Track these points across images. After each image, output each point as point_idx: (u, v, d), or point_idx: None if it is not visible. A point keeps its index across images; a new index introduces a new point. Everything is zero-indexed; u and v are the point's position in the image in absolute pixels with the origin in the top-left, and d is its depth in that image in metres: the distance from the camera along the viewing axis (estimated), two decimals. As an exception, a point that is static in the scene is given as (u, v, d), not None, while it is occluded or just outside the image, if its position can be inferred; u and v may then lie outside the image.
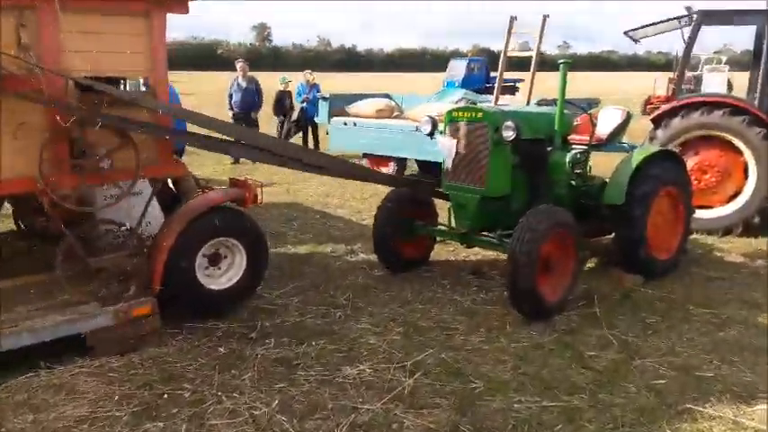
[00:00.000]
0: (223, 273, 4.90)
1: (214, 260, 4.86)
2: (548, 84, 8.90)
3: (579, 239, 5.04)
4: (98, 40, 4.14)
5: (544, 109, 5.81)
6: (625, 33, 8.27)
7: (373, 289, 5.57)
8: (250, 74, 12.54)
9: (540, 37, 8.44)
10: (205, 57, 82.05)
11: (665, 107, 7.71)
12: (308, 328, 4.76)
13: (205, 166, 12.41)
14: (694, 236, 7.40)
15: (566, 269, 5.00)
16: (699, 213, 7.48)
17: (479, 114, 5.20)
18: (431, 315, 4.99)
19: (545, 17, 8.39)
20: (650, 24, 8.13)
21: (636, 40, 8.75)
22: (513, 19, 8.73)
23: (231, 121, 12.58)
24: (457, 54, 35.36)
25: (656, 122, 7.75)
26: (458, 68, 29.71)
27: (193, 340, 4.51)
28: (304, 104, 12.38)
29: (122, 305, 4.31)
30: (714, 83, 7.57)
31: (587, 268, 6.17)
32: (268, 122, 14.19)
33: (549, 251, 4.83)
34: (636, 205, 5.50)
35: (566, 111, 5.77)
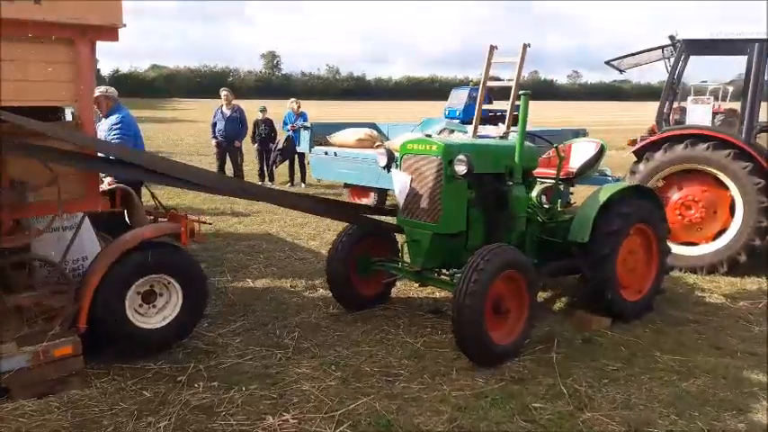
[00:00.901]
0: (158, 311, 4.66)
1: (148, 298, 4.62)
2: (558, 113, 8.49)
3: (534, 280, 4.75)
4: (21, 68, 3.97)
5: (505, 142, 5.55)
6: (607, 63, 8.03)
7: (323, 329, 5.29)
8: (235, 102, 12.43)
9: (520, 66, 8.22)
10: (216, 85, 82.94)
11: (646, 140, 7.43)
12: (242, 371, 4.48)
13: (184, 193, 12.30)
14: (677, 274, 7.08)
15: (519, 312, 4.69)
16: (683, 250, 7.19)
17: (432, 147, 4.95)
18: (376, 359, 4.69)
19: (525, 45, 8.18)
20: (632, 54, 7.88)
21: (621, 70, 8.51)
22: (492, 48, 8.53)
23: (215, 149, 12.47)
24: (463, 83, 35.36)
25: (639, 156, 7.47)
26: (459, 97, 29.58)
27: (120, 382, 4.25)
28: (290, 133, 12.22)
29: (41, 345, 4.07)
30: (698, 114, 7.24)
31: (555, 308, 5.86)
32: (253, 151, 14.00)
33: (499, 293, 4.53)
34: (602, 244, 5.21)
35: (530, 143, 5.53)
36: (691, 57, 8.07)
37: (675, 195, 7.28)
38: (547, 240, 5.54)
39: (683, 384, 4.33)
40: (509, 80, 8.44)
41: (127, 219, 5.43)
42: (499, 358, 4.52)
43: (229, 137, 12.05)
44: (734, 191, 6.95)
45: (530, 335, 4.84)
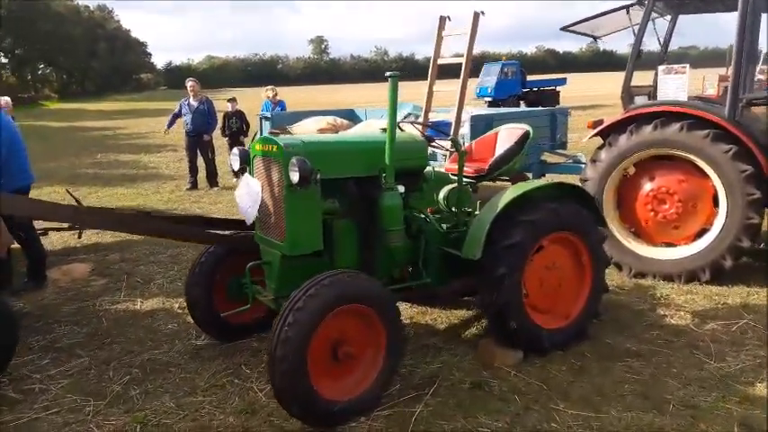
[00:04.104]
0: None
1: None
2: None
3: (392, 315, 3.71)
4: None
5: (375, 136, 4.48)
6: (564, 29, 6.75)
7: (171, 369, 4.42)
8: (203, 93, 11.67)
9: (472, 38, 7.03)
10: (266, 73, 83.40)
11: (609, 120, 6.16)
12: (37, 429, 3.69)
13: (160, 192, 11.70)
14: (648, 283, 5.85)
15: (373, 355, 3.69)
16: (656, 253, 5.96)
17: (273, 148, 3.96)
18: (198, 416, 3.79)
19: (476, 14, 6.97)
20: (589, 18, 6.56)
21: (596, 38, 7.21)
22: (443, 19, 7.36)
23: (184, 142, 11.77)
24: (496, 58, 33.79)
25: (604, 140, 6.22)
26: (490, 73, 28.06)
27: None
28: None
29: None
30: (671, 87, 5.92)
31: (464, 335, 4.79)
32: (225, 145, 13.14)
33: (338, 334, 3.54)
34: (498, 261, 4.11)
35: (415, 136, 4.46)
36: (679, 17, 6.76)
37: (647, 187, 6.01)
38: (448, 254, 4.48)
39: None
40: (457, 55, 7.27)
41: None
42: (334, 418, 3.53)
43: (197, 130, 11.30)
44: (715, 180, 5.64)
45: (391, 382, 3.82)
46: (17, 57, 65.15)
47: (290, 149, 3.85)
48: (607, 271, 6.04)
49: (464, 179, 4.86)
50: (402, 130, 4.97)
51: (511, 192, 4.29)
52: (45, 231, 7.21)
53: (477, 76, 30.23)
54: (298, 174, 3.68)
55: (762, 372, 4.09)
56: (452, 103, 7.40)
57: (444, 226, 4.67)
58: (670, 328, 4.83)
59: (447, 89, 7.41)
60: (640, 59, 6.13)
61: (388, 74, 4.03)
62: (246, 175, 4.34)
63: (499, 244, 4.11)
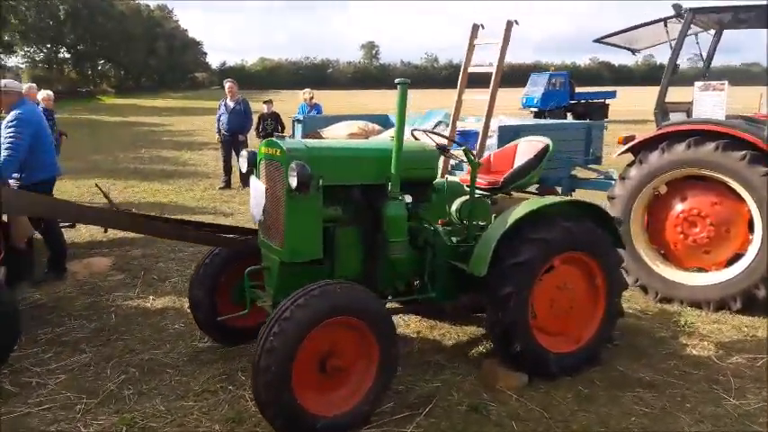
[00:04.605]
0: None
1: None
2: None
3: (387, 328, 3.58)
4: None
5: (383, 144, 4.34)
6: (596, 41, 6.48)
7: (168, 370, 4.38)
8: (240, 94, 11.76)
9: (504, 47, 6.83)
10: (317, 77, 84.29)
11: (641, 136, 5.88)
12: (23, 425, 3.69)
13: (194, 190, 11.83)
14: (674, 309, 5.56)
15: (364, 370, 3.56)
16: (685, 278, 5.66)
17: (277, 152, 3.89)
18: (186, 421, 3.72)
19: (509, 23, 6.78)
20: (624, 30, 6.28)
21: (633, 51, 6.92)
22: (476, 27, 7.19)
23: (219, 143, 11.88)
24: (544, 68, 33.25)
25: (635, 156, 5.95)
26: (537, 84, 27.57)
27: None
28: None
29: None
30: (708, 105, 5.61)
31: (470, 354, 4.61)
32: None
33: (327, 346, 3.43)
34: (505, 279, 3.93)
35: (423, 144, 4.32)
36: (724, 32, 6.44)
37: (678, 208, 5.71)
38: (456, 268, 4.31)
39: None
40: (489, 65, 7.07)
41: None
42: (321, 435, 3.41)
43: (233, 130, 11.38)
44: (751, 204, 5.31)
45: (382, 399, 3.68)
46: (79, 52, 67.45)
47: (292, 153, 3.76)
48: (631, 293, 5.85)
49: (478, 191, 4.70)
50: (417, 139, 4.85)
51: (523, 207, 4.10)
52: (73, 224, 7.35)
53: (524, 86, 29.82)
54: (296, 179, 3.59)
55: (785, 414, 3.80)
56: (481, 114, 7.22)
57: (454, 239, 4.51)
58: (690, 359, 4.55)
59: (478, 98, 7.22)
60: (676, 74, 5.84)
61: (397, 81, 3.91)
62: (253, 177, 4.29)
63: (506, 261, 3.93)
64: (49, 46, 64.15)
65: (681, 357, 4.57)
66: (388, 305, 4.45)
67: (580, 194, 7.05)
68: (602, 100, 29.92)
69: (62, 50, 67.26)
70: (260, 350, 3.25)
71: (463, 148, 4.37)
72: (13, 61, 61.95)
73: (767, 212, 5.20)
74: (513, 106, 31.43)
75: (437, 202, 4.51)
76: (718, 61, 6.23)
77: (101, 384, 4.18)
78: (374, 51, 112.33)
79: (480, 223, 4.65)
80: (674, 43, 5.78)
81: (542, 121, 9.60)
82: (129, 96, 59.12)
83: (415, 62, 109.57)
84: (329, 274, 4.02)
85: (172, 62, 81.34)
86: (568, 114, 27.91)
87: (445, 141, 4.56)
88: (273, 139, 4.01)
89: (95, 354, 4.67)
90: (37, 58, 65.56)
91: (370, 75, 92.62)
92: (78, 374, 4.33)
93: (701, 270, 5.70)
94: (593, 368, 4.30)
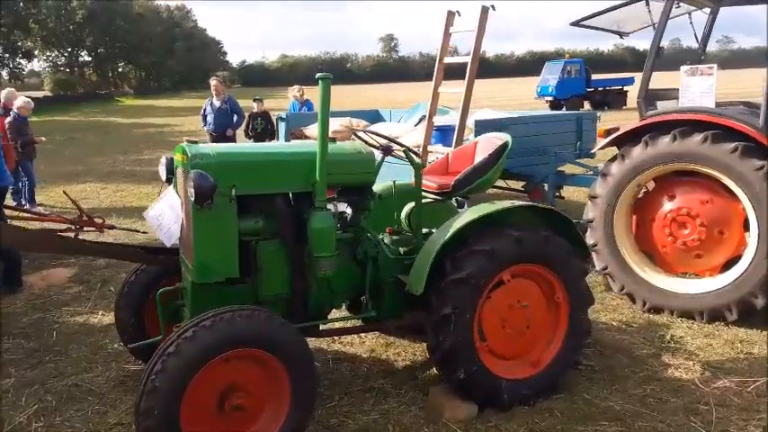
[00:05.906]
0: None
1: None
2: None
3: (300, 358, 3.13)
4: None
5: (310, 146, 3.87)
6: (573, 24, 5.92)
7: (89, 398, 4.02)
8: (226, 92, 11.39)
9: (479, 35, 6.32)
10: (336, 71, 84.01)
11: (624, 127, 5.33)
12: None
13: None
14: (662, 320, 5.02)
15: (271, 410, 3.12)
16: (675, 286, 5.13)
17: (185, 159, 3.46)
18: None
19: (485, 9, 6.26)
20: (600, 13, 5.69)
21: (621, 35, 6.35)
22: (452, 14, 6.68)
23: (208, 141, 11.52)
24: (559, 55, 32.37)
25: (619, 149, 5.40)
26: (552, 72, 26.78)
27: None
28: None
29: None
30: (695, 91, 5.05)
31: (412, 379, 4.14)
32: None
33: (223, 384, 3.00)
34: (445, 298, 3.46)
35: (357, 146, 3.86)
36: (720, 9, 5.85)
37: (666, 207, 5.17)
38: (402, 283, 3.85)
39: None
40: (466, 54, 6.56)
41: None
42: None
43: (219, 130, 11.01)
44: (746, 202, 4.74)
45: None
46: (99, 55, 68.13)
47: (195, 161, 3.33)
48: (617, 303, 5.34)
49: (429, 196, 4.24)
50: (363, 140, 4.37)
51: (468, 214, 3.63)
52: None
53: (538, 75, 29.02)
54: (193, 190, 3.16)
55: (771, 450, 3.27)
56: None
57: (402, 250, 4.04)
58: (670, 383, 4.02)
59: (454, 90, 6.73)
60: (660, 58, 5.27)
61: (318, 75, 3.45)
62: (170, 187, 3.88)
63: (447, 277, 3.46)
64: (69, 50, 64.89)
65: (660, 381, 4.04)
66: (325, 327, 4.02)
67: (567, 192, 6.52)
68: (620, 87, 28.95)
69: (83, 54, 68.03)
70: (141, 390, 2.83)
71: (404, 148, 3.89)
72: (36, 66, 62.85)
73: (766, 211, 4.64)
74: (530, 95, 30.71)
75: (382, 208, 4.06)
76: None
77: (12, 415, 3.83)
78: (393, 44, 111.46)
79: (433, 231, 4.18)
80: (657, 25, 5.21)
81: (527, 113, 9.02)
82: (147, 97, 59.49)
83: (434, 54, 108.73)
84: (252, 294, 3.60)
85: (191, 62, 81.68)
86: (585, 103, 27.07)
87: (389, 142, 4.08)
88: (185, 144, 3.58)
89: (18, 379, 4.32)
90: (59, 63, 66.40)
91: (390, 68, 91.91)
92: (-10, 405, 3.98)
93: (691, 276, 5.15)
94: (555, 396, 3.80)
